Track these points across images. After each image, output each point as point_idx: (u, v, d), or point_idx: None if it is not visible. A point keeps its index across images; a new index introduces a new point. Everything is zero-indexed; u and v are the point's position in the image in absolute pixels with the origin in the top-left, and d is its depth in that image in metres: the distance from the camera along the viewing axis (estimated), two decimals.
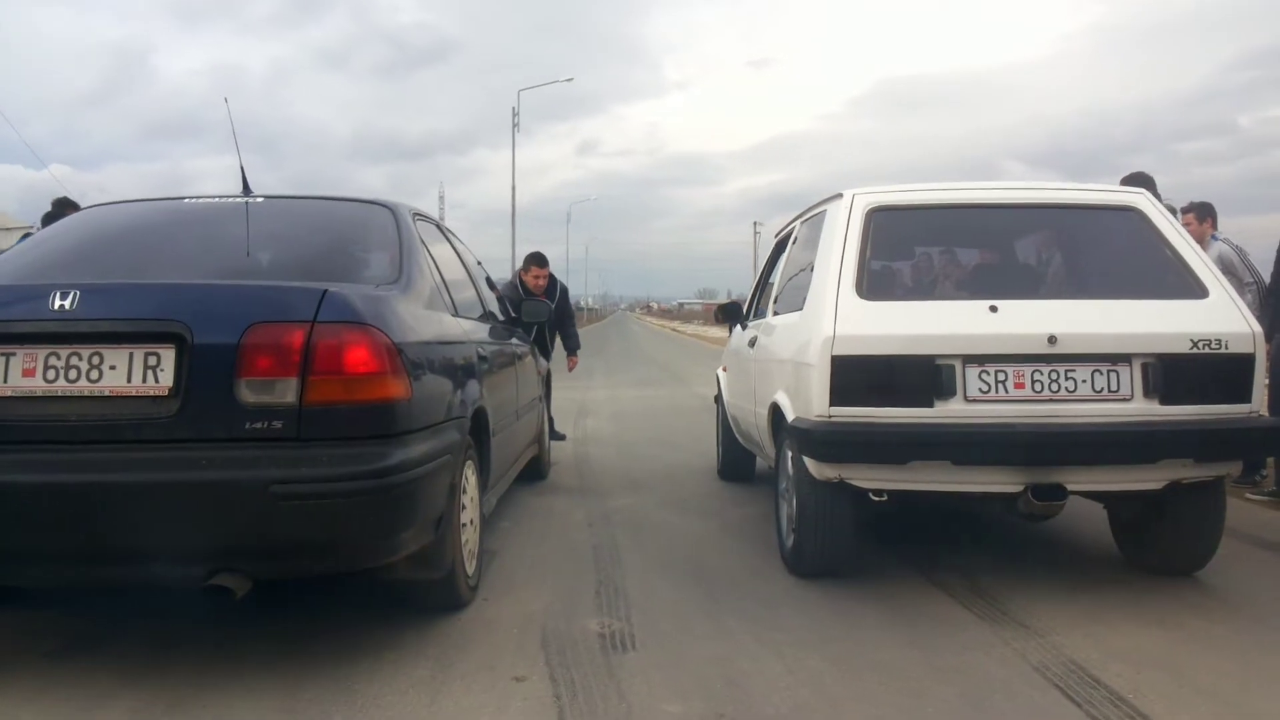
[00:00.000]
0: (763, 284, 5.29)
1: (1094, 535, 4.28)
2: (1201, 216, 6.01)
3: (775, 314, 4.49)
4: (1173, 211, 5.66)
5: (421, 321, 3.08)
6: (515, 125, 36.15)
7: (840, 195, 3.84)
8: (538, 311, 5.25)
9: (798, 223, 4.71)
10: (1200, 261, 3.56)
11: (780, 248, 5.01)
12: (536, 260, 6.92)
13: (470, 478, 3.35)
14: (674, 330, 48.92)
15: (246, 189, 3.69)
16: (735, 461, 5.81)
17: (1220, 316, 3.37)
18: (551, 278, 6.97)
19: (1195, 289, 3.45)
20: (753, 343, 4.82)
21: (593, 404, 9.38)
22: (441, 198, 54.42)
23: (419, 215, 3.88)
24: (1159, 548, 3.67)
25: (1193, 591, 3.52)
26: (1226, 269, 5.60)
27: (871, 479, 3.42)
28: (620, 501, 5.27)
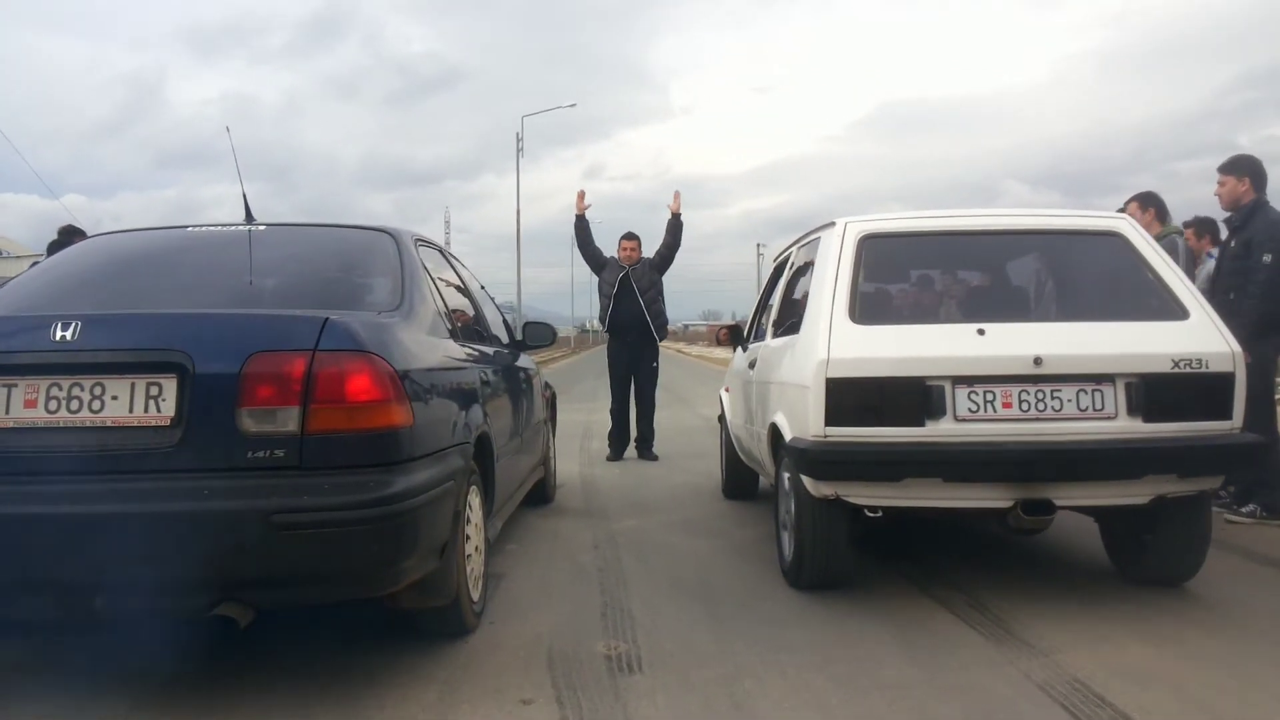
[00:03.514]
0: (762, 306, 5.39)
1: (1094, 552, 4.29)
2: (1200, 233, 6.06)
3: (774, 336, 4.59)
4: (1178, 234, 5.72)
5: (424, 348, 3.08)
6: (519, 150, 36.53)
7: (834, 223, 3.94)
8: (540, 335, 5.27)
9: (794, 248, 4.81)
10: (1181, 284, 3.66)
11: (778, 272, 5.12)
12: (626, 235, 8.02)
13: (474, 503, 3.35)
14: (678, 352, 48.94)
15: (249, 217, 3.69)
16: (739, 480, 5.89)
17: (1201, 337, 3.47)
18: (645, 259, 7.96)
19: (1177, 310, 3.56)
20: (753, 364, 4.93)
21: (598, 426, 9.36)
22: (447, 223, 54.72)
23: (421, 241, 3.90)
24: (1148, 560, 3.74)
25: (1194, 607, 3.54)
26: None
27: (866, 496, 3.52)
28: (626, 523, 5.28)
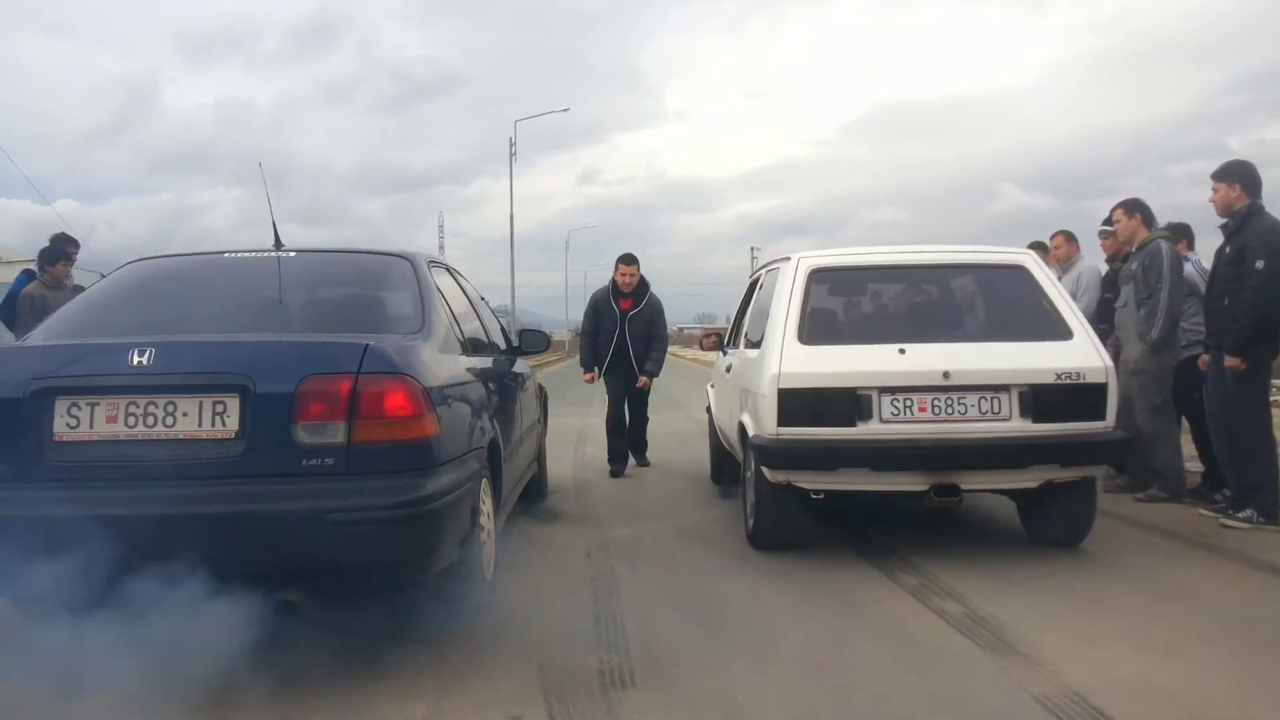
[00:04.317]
0: (740, 316, 6.07)
1: (1090, 562, 4.33)
2: (1176, 238, 6.08)
3: (745, 347, 5.33)
4: (1165, 238, 5.73)
5: (444, 365, 3.42)
6: (512, 155, 36.22)
7: (789, 258, 4.73)
8: (536, 342, 5.55)
9: (764, 271, 5.58)
10: (1069, 310, 4.42)
11: (753, 288, 5.84)
12: (624, 259, 7.47)
13: (487, 500, 3.67)
14: (673, 355, 48.77)
15: (278, 243, 3.92)
16: (722, 465, 6.49)
17: (1080, 354, 4.21)
18: (643, 283, 7.47)
19: (1063, 332, 4.30)
20: (729, 369, 5.74)
21: (592, 431, 9.18)
22: (441, 227, 54.67)
23: (433, 262, 4.26)
24: (1046, 526, 4.60)
25: (1192, 615, 3.56)
26: (1192, 290, 5.75)
27: (811, 481, 4.31)
28: (619, 531, 5.26)
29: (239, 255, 4.03)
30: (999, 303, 4.65)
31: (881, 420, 4.13)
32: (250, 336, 3.25)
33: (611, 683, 2.94)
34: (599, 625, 3.52)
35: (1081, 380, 4.14)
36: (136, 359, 2.88)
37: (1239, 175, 5.00)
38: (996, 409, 4.12)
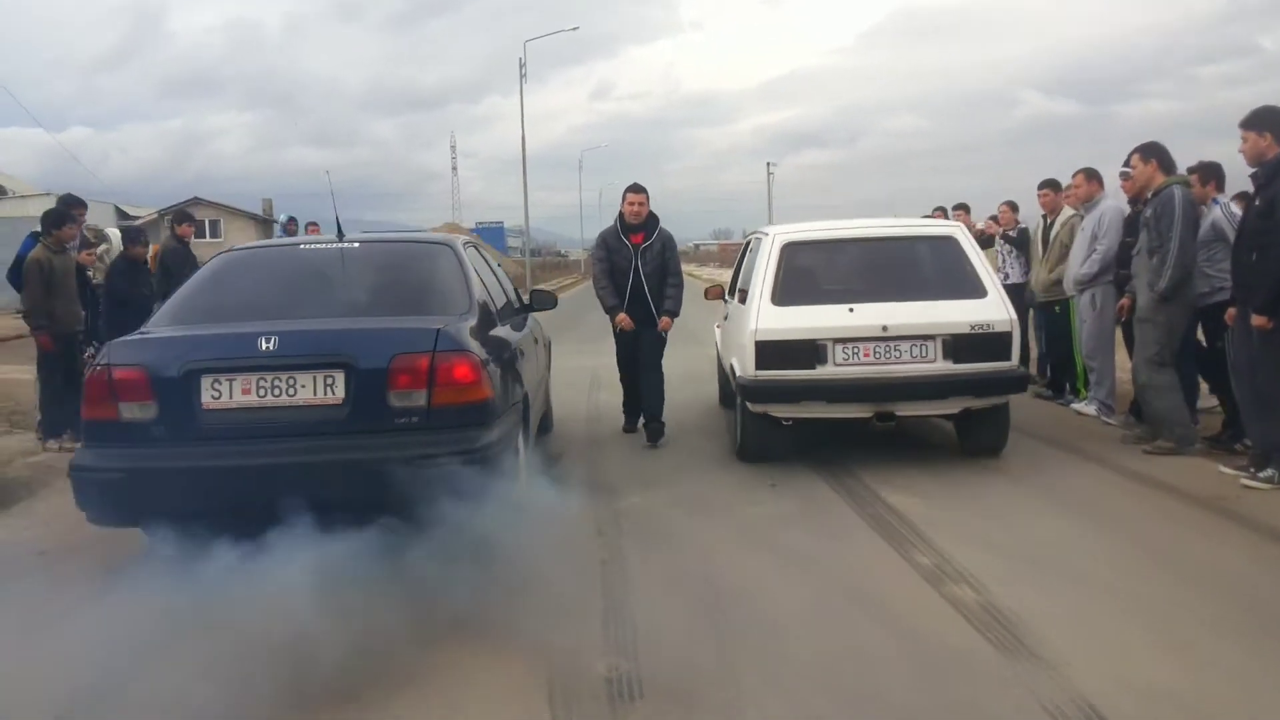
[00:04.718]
0: (737, 272, 7.19)
1: (1108, 536, 4.26)
2: (1205, 178, 5.84)
3: (738, 301, 6.44)
4: (1181, 183, 5.55)
5: (490, 340, 4.21)
6: (522, 77, 35.13)
7: (767, 232, 6.00)
8: (545, 301, 6.37)
9: (753, 237, 6.85)
10: (987, 274, 5.54)
11: (746, 249, 7.04)
12: (632, 188, 6.91)
13: (522, 442, 4.47)
14: (690, 275, 47.88)
15: (340, 234, 4.64)
16: (729, 395, 6.94)
17: (991, 310, 5.36)
18: (653, 217, 6.90)
19: (980, 292, 5.44)
20: (727, 316, 6.97)
21: (606, 373, 8.78)
22: (453, 148, 53.86)
23: (467, 243, 5.09)
24: (973, 441, 5.83)
25: (1206, 602, 3.48)
26: (1218, 235, 5.65)
27: (782, 411, 5.65)
28: (630, 500, 5.20)
29: (313, 247, 4.84)
30: (931, 266, 5.75)
31: (835, 364, 5.36)
32: (350, 323, 4.02)
33: (620, 695, 2.91)
34: (608, 621, 3.49)
35: (991, 330, 5.30)
36: (264, 344, 3.67)
37: (1270, 123, 4.73)
38: (924, 353, 5.32)
